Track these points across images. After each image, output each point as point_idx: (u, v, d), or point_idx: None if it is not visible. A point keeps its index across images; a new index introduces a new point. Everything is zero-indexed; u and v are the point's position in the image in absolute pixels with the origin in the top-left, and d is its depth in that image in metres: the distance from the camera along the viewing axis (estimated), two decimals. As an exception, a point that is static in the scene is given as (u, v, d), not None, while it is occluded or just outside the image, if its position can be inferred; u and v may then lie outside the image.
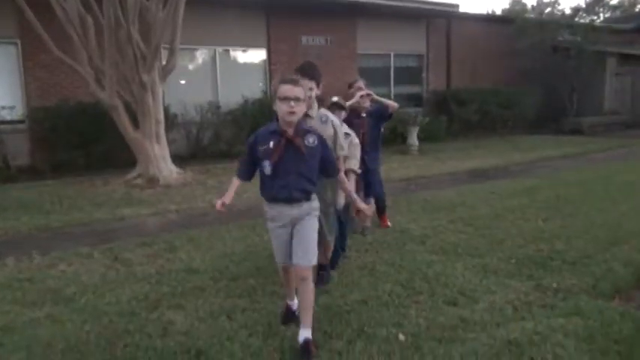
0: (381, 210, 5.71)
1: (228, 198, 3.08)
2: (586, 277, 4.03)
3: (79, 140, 9.78)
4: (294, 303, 3.38)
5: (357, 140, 4.42)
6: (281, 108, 2.86)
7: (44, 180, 9.13)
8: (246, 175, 3.12)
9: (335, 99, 4.67)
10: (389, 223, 5.70)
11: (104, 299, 3.82)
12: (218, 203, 3.02)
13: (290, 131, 2.92)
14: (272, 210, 3.07)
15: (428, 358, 2.88)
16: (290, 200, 2.99)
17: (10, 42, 10.13)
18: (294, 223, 3.05)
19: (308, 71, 3.60)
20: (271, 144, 2.92)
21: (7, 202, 7.44)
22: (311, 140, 2.96)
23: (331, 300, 3.69)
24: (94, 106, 9.31)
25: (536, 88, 16.22)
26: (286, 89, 2.84)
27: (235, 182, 3.13)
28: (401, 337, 3.14)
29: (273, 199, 3.02)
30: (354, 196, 3.50)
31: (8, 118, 9.83)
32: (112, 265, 4.62)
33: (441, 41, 16.03)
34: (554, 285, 3.89)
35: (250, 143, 3.01)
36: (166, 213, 6.70)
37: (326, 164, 3.10)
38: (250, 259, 4.63)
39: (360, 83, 5.26)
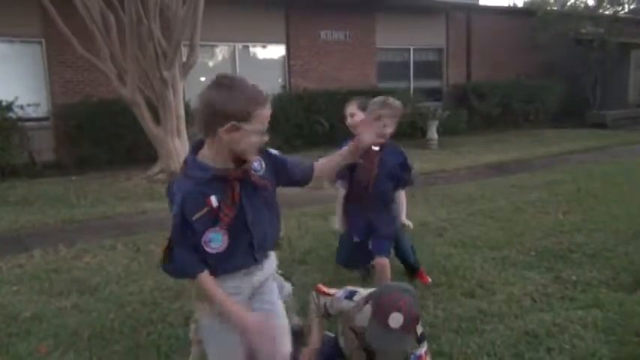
0: (411, 270, 4.03)
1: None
2: (606, 270, 4.01)
3: (102, 136, 9.94)
4: None
5: None
6: (250, 138, 1.79)
7: (69, 175, 9.31)
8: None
9: None
10: (429, 279, 3.95)
11: (127, 289, 3.92)
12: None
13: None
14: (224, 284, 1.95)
15: (445, 349, 2.91)
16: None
17: (35, 41, 10.32)
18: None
19: None
20: (212, 201, 1.82)
21: (33, 196, 7.62)
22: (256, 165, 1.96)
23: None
24: (117, 102, 9.45)
25: (559, 81, 15.99)
26: (267, 112, 1.82)
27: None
28: (419, 327, 3.16)
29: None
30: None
31: (34, 115, 10.01)
32: (135, 256, 4.73)
33: (461, 34, 15.89)
34: (574, 277, 3.88)
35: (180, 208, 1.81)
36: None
37: (296, 170, 2.17)
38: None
39: (353, 108, 3.62)
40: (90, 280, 4.14)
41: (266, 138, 1.84)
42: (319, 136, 12.16)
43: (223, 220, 1.83)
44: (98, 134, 9.89)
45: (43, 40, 10.28)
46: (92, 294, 3.85)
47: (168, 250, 1.90)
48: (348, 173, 3.31)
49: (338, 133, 12.32)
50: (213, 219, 1.82)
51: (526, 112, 15.52)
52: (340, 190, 3.47)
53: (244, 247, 1.93)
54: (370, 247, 3.34)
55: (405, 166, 3.46)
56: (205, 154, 1.85)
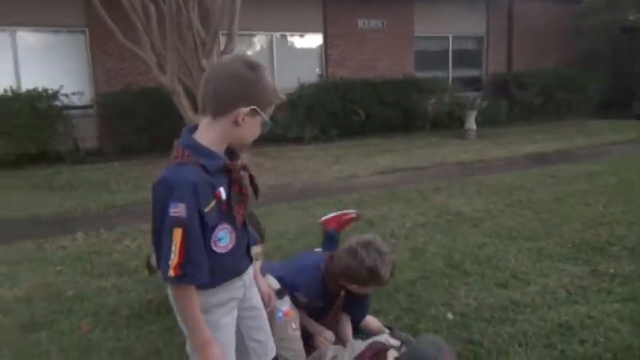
0: None
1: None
2: (646, 263, 3.91)
3: (143, 124, 10.17)
4: None
5: None
6: (257, 129, 1.72)
7: (111, 162, 9.59)
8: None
9: None
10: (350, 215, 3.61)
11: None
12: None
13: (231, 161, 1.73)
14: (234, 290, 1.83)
15: (476, 337, 2.90)
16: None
17: (79, 31, 10.62)
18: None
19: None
20: (221, 193, 1.66)
21: (77, 182, 7.89)
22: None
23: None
24: (157, 91, 9.65)
25: (603, 70, 15.49)
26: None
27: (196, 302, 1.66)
28: (449, 316, 3.17)
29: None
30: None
31: (78, 103, 10.32)
32: (173, 241, 4.84)
33: (502, 22, 15.54)
34: (612, 270, 3.79)
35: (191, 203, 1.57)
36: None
37: None
38: (304, 239, 4.74)
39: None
40: (129, 262, 4.28)
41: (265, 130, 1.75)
42: (355, 125, 12.15)
43: (237, 219, 1.70)
44: (139, 122, 10.14)
45: (87, 30, 10.58)
46: (131, 276, 3.98)
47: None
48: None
49: (373, 123, 12.33)
50: (220, 214, 1.65)
51: (568, 102, 15.11)
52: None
53: (244, 246, 1.82)
54: None
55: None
56: (203, 139, 1.65)
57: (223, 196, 1.65)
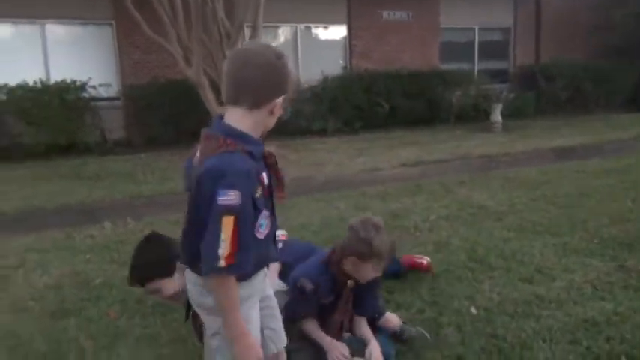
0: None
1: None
2: (676, 260, 3.83)
3: (169, 116, 10.29)
4: None
5: None
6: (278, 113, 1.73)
7: (137, 153, 9.73)
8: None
9: None
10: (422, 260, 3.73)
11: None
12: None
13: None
14: (259, 283, 1.86)
15: (500, 331, 2.89)
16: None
17: (107, 23, 10.77)
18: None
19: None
20: (265, 178, 1.71)
21: (104, 172, 8.03)
22: None
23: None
24: (183, 83, 9.74)
25: (634, 63, 15.11)
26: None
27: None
28: (473, 310, 3.16)
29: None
30: None
31: (105, 95, 10.49)
32: (197, 231, 4.91)
33: (530, 13, 15.27)
34: (640, 267, 3.73)
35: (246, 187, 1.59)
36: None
37: None
38: (327, 230, 4.76)
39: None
40: (155, 252, 4.35)
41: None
42: (379, 117, 12.10)
43: (280, 202, 1.76)
44: (165, 114, 10.25)
45: (114, 22, 10.72)
46: (157, 265, 4.05)
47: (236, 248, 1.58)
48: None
49: (398, 115, 12.26)
50: (263, 200, 1.67)
51: (597, 95, 14.79)
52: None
53: (274, 233, 1.83)
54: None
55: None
56: (243, 128, 1.66)
57: (266, 181, 1.69)
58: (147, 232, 2.78)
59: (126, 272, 3.83)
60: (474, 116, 12.76)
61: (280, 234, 3.31)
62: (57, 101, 9.49)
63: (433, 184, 6.56)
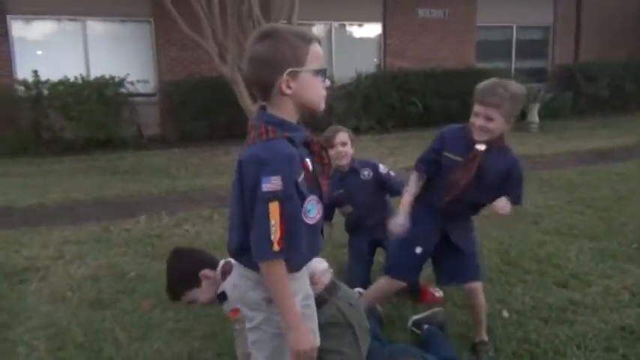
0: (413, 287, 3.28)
1: None
2: None
3: (204, 112, 10.43)
4: None
5: None
6: (313, 81, 1.68)
7: (172, 148, 9.89)
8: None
9: None
10: (438, 294, 3.39)
11: (222, 257, 4.14)
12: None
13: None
14: (305, 280, 1.90)
15: (532, 337, 2.85)
16: None
17: (145, 20, 10.98)
18: None
19: None
20: (309, 164, 1.72)
21: (140, 167, 8.20)
22: None
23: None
24: (217, 80, 9.85)
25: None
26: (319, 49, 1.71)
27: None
28: (505, 313, 3.12)
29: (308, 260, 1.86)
30: None
31: (142, 91, 10.69)
32: (230, 227, 4.98)
33: (571, 11, 14.89)
34: (680, 273, 3.62)
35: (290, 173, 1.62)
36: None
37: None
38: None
39: (344, 137, 3.39)
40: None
41: (328, 82, 1.73)
42: (412, 116, 12.00)
43: (323, 189, 1.74)
44: (200, 110, 10.39)
45: (152, 20, 10.91)
46: (190, 259, 4.12)
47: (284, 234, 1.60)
48: (435, 165, 2.69)
49: (431, 114, 12.13)
50: (308, 185, 1.67)
51: (639, 95, 14.34)
52: (413, 182, 2.78)
53: (322, 222, 1.78)
54: (446, 269, 2.82)
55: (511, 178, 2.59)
56: (281, 115, 1.67)
57: (310, 166, 1.69)
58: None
59: (160, 266, 3.92)
60: (510, 116, 12.53)
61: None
62: (96, 97, 9.72)
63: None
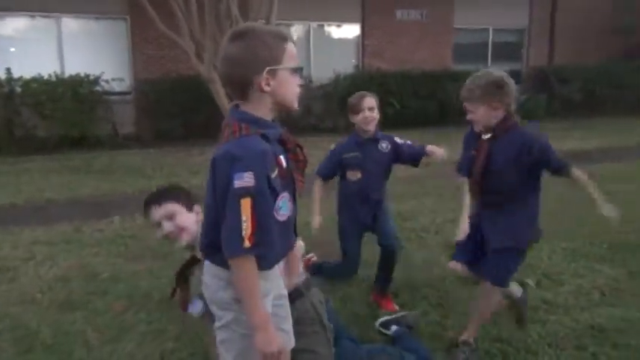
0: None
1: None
2: (687, 268, 3.79)
3: (179, 111, 10.33)
4: None
5: None
6: (290, 79, 1.71)
7: (147, 147, 9.78)
8: None
9: None
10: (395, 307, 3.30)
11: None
12: None
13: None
14: (277, 280, 1.89)
15: (504, 335, 2.87)
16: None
17: (121, 18, 10.83)
18: None
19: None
20: (282, 160, 1.72)
21: (114, 166, 8.09)
22: None
23: (411, 274, 3.73)
24: (194, 79, 9.77)
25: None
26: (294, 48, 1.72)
27: None
28: (478, 313, 3.13)
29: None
30: None
31: (117, 89, 10.56)
32: (205, 227, 4.94)
33: (545, 14, 15.12)
34: (650, 274, 3.69)
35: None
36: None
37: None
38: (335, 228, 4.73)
39: (372, 102, 3.27)
40: (162, 247, 4.34)
41: (301, 80, 1.75)
42: (389, 117, 12.04)
43: (299, 186, 1.76)
44: (176, 109, 10.30)
45: (128, 17, 10.77)
46: (164, 260, 4.06)
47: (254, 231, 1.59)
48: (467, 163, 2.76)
49: (408, 115, 12.20)
50: (282, 182, 1.67)
51: (611, 98, 14.63)
52: (464, 193, 2.89)
53: (294, 219, 1.81)
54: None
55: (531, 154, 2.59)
56: (255, 113, 1.68)
57: (284, 163, 1.69)
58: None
59: (133, 267, 3.87)
60: (486, 117, 12.68)
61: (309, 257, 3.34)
62: (70, 94, 9.58)
63: (441, 186, 6.51)
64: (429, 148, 3.31)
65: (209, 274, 1.81)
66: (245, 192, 1.56)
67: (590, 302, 3.27)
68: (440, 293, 3.41)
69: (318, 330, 2.25)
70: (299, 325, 2.06)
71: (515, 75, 12.74)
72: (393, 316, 3.01)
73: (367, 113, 3.22)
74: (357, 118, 3.22)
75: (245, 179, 1.55)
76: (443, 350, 2.78)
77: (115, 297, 3.43)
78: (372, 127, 3.26)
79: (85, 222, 5.13)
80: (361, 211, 3.30)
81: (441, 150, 3.27)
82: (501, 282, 2.69)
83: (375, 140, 3.32)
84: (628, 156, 8.71)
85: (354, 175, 3.31)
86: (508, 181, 2.62)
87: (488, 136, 2.63)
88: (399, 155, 3.37)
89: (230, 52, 1.65)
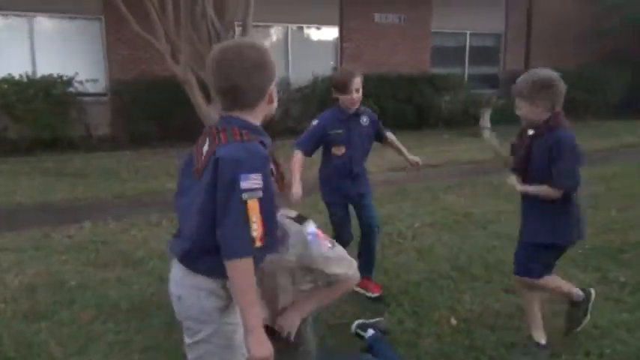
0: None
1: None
2: (659, 273, 3.82)
3: (156, 113, 10.17)
4: None
5: None
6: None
7: (123, 150, 9.61)
8: None
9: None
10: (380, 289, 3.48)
11: (169, 265, 4.02)
12: None
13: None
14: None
15: (478, 344, 2.86)
16: None
17: (95, 18, 10.63)
18: None
19: None
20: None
21: (88, 169, 7.92)
22: None
23: (387, 280, 3.70)
24: (170, 80, 9.63)
25: (624, 70, 15.19)
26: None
27: None
28: (453, 321, 3.13)
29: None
30: None
31: (92, 90, 10.36)
32: (179, 233, 4.84)
33: (521, 20, 15.28)
34: (622, 279, 3.72)
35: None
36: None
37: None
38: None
39: (359, 83, 3.42)
40: (134, 253, 4.27)
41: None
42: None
43: (280, 191, 1.85)
44: (151, 111, 10.13)
45: (103, 17, 10.58)
46: (135, 267, 3.97)
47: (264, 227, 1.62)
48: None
49: (386, 117, 12.19)
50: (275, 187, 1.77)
51: (587, 102, 14.84)
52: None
53: None
54: None
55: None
56: (253, 121, 1.76)
57: (274, 170, 1.79)
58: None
59: (103, 274, 3.77)
60: (464, 121, 12.77)
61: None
62: (42, 96, 9.34)
63: (419, 190, 6.53)
64: (410, 158, 3.64)
65: (185, 287, 1.74)
66: (253, 193, 1.58)
67: (563, 308, 3.26)
68: (415, 300, 3.39)
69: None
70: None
71: (492, 79, 12.93)
72: (370, 321, 2.97)
73: (354, 95, 3.32)
74: (344, 98, 3.31)
75: (252, 180, 1.57)
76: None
77: (83, 306, 3.32)
78: (355, 107, 3.40)
79: (56, 227, 4.99)
80: (344, 184, 3.41)
81: (417, 158, 3.61)
82: (527, 272, 2.84)
83: (357, 115, 3.45)
84: (600, 159, 8.81)
85: (338, 150, 3.42)
86: (546, 179, 2.68)
87: (531, 132, 2.73)
88: (375, 128, 3.59)
89: (257, 61, 1.69)
